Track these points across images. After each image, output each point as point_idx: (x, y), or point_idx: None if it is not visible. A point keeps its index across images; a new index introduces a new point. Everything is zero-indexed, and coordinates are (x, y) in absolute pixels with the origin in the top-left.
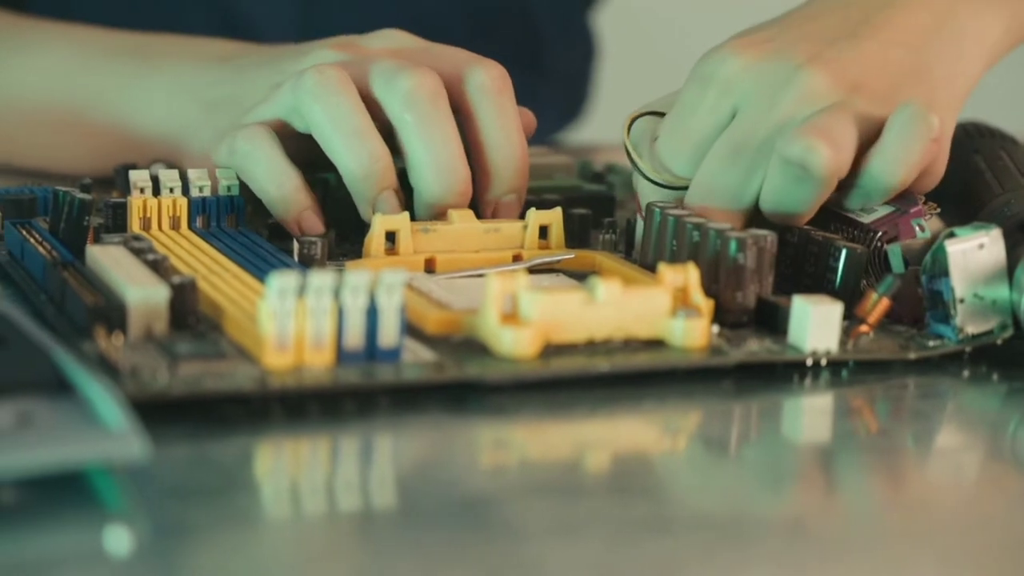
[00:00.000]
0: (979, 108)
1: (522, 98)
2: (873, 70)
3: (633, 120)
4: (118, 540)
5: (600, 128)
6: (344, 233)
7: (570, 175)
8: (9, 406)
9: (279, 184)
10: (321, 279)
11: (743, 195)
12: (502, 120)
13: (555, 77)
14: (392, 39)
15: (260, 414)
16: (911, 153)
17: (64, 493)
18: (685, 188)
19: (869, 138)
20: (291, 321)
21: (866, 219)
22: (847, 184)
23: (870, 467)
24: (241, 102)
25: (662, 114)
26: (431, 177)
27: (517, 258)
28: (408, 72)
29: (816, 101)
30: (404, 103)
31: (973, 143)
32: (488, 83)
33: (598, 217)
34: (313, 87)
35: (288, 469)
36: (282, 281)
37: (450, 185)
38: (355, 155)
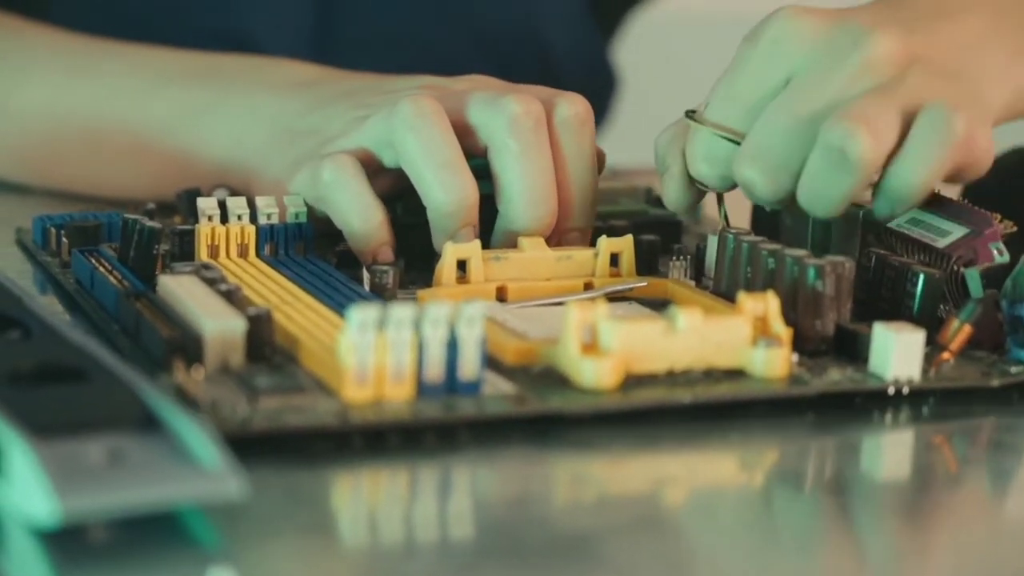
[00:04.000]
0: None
1: None
2: (934, 47)
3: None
4: None
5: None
6: (411, 261)
7: (635, 200)
8: (99, 443)
9: (364, 219)
10: (401, 311)
11: (793, 162)
12: (581, 156)
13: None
14: (477, 81)
15: (340, 448)
16: (934, 157)
17: (154, 531)
18: (737, 143)
19: (908, 127)
20: (371, 354)
21: (940, 243)
22: (875, 189)
23: (966, 498)
24: (319, 133)
25: None
26: (523, 207)
27: (588, 286)
28: (515, 98)
29: (877, 70)
30: (509, 129)
31: None
32: (572, 117)
33: (665, 242)
34: (409, 117)
35: (377, 505)
36: (362, 314)
37: (540, 217)
38: (446, 190)
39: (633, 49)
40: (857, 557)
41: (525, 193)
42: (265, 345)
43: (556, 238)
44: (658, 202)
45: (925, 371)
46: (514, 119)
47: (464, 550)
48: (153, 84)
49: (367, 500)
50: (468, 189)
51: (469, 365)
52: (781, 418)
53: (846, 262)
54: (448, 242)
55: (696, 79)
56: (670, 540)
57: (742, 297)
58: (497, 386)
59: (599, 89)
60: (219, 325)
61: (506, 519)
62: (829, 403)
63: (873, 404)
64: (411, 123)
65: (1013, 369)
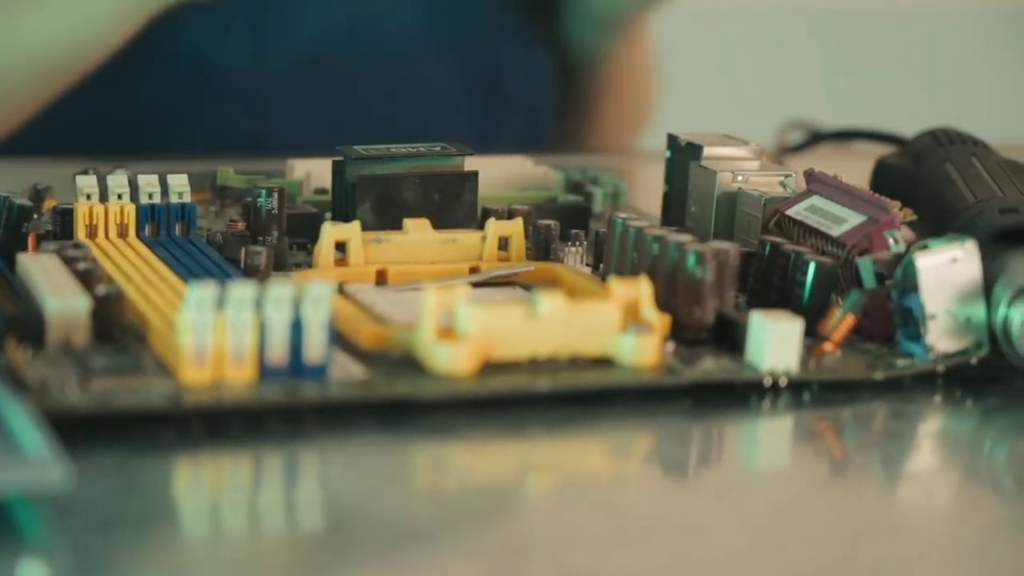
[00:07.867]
0: (950, 114)
1: (482, 123)
2: None
3: None
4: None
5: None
6: (301, 243)
7: (551, 185)
8: None
9: None
10: (242, 291)
11: None
12: None
13: (516, 104)
14: None
15: (182, 434)
16: None
17: None
18: None
19: None
20: (210, 334)
21: (835, 232)
22: None
23: (836, 493)
24: None
25: None
26: None
27: (474, 270)
28: None
29: None
30: None
31: (944, 150)
32: None
33: (571, 229)
34: None
35: (212, 493)
36: (201, 292)
37: None
38: None
39: None
40: (732, 545)
41: None
42: (114, 325)
43: None
44: (575, 188)
45: (806, 362)
46: None
47: (310, 541)
48: None
49: (208, 489)
50: None
51: (315, 348)
52: (656, 405)
53: (730, 249)
54: (325, 223)
55: None
56: (525, 527)
57: (612, 282)
58: (348, 370)
59: (541, 80)
60: (62, 304)
61: (355, 508)
62: (708, 390)
63: (754, 391)
64: None
65: (900, 362)
